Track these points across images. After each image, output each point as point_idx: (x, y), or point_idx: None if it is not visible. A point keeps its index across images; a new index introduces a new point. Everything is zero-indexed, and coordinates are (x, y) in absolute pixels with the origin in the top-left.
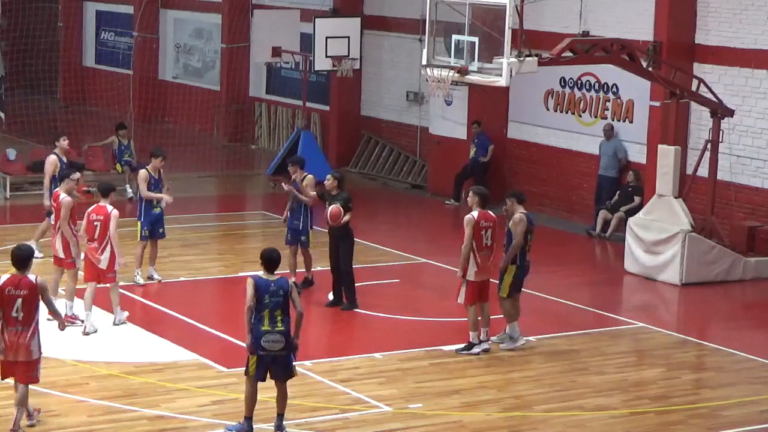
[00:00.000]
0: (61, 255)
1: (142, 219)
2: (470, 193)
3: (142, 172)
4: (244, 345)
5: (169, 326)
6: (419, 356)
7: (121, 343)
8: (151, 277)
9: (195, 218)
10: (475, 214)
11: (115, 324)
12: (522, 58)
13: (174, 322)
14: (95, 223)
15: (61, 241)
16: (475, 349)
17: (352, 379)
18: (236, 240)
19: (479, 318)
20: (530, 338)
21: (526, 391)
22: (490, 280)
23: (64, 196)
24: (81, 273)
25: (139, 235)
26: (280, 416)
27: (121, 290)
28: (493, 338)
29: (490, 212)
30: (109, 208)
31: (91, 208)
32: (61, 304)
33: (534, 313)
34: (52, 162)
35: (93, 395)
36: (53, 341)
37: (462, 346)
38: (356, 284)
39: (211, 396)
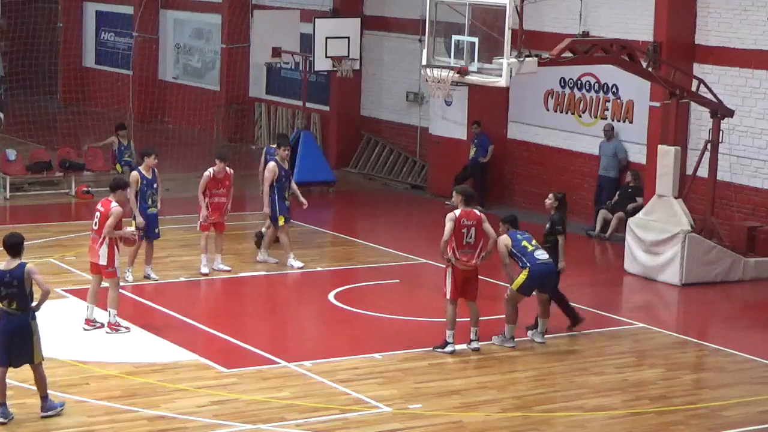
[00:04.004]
0: (103, 262)
1: (136, 219)
2: (453, 193)
3: (134, 174)
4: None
5: (169, 326)
6: (419, 356)
7: (121, 343)
8: (148, 277)
9: (195, 218)
10: (457, 211)
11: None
12: (522, 59)
13: (174, 322)
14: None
15: (107, 249)
16: (448, 348)
17: (352, 379)
18: (236, 240)
19: (469, 318)
20: (530, 338)
21: (526, 391)
22: (479, 276)
23: (115, 205)
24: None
25: None
26: (43, 398)
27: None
28: (494, 338)
29: (474, 211)
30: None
31: None
32: (99, 314)
33: (534, 314)
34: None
35: (93, 395)
36: (53, 341)
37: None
38: (357, 284)
39: (210, 396)
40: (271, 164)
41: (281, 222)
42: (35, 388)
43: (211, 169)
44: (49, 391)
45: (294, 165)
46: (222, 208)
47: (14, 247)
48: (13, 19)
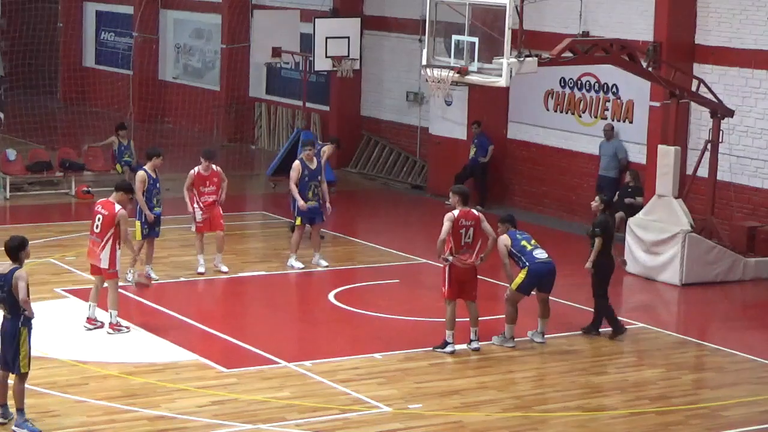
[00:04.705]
0: (104, 265)
1: (142, 219)
2: (450, 193)
3: (141, 174)
4: None
5: (169, 326)
6: (419, 356)
7: (121, 343)
8: (147, 277)
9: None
10: (456, 212)
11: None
12: (522, 59)
13: (174, 322)
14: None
15: (110, 252)
16: (448, 348)
17: (352, 379)
18: (236, 240)
19: (468, 318)
20: (530, 338)
21: (526, 391)
22: (478, 276)
23: (119, 208)
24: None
25: (140, 233)
26: (19, 411)
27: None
28: (494, 338)
29: (473, 210)
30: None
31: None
32: (100, 313)
33: (534, 313)
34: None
35: (92, 395)
36: (53, 341)
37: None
38: (357, 284)
39: (211, 396)
40: (296, 163)
41: (297, 222)
42: (36, 388)
43: (196, 168)
44: (50, 392)
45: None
46: (213, 206)
47: (11, 251)
48: (13, 19)
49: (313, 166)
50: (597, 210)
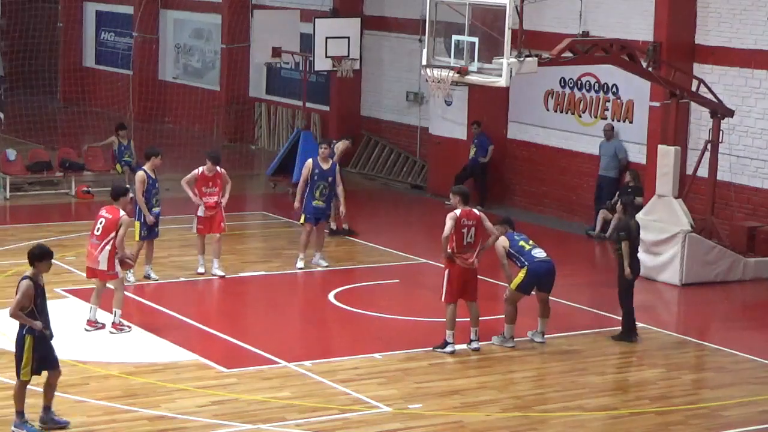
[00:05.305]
0: (103, 267)
1: (142, 219)
2: (451, 194)
3: (140, 174)
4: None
5: (169, 326)
6: (419, 356)
7: (121, 343)
8: (148, 277)
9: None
10: (458, 211)
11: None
12: (522, 59)
13: (174, 322)
14: None
15: (108, 254)
16: (448, 348)
17: (352, 379)
18: (236, 240)
19: (469, 318)
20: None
21: (526, 391)
22: (478, 276)
23: (123, 214)
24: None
25: (138, 234)
26: (17, 413)
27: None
28: (494, 338)
29: (474, 210)
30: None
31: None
32: (101, 315)
33: (534, 313)
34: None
35: (93, 395)
36: (53, 341)
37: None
38: (357, 284)
39: (210, 396)
40: (309, 161)
41: (301, 220)
42: (37, 388)
43: (201, 168)
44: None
45: (295, 165)
46: (216, 207)
47: (29, 257)
48: (13, 19)
49: (326, 166)
50: (619, 213)
